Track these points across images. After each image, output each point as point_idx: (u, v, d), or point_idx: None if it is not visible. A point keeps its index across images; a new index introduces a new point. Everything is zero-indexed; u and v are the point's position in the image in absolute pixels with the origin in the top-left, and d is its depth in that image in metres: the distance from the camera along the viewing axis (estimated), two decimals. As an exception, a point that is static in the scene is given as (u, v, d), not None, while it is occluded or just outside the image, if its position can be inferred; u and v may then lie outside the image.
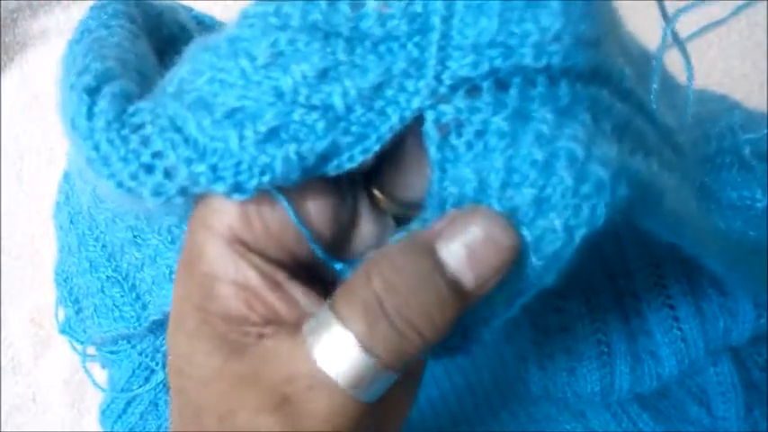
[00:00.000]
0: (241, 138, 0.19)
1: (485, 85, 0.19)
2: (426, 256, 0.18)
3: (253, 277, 0.19)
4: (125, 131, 0.20)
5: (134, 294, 0.34)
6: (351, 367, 0.18)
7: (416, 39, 0.19)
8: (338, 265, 0.21)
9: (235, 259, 0.19)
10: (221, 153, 0.19)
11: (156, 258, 0.32)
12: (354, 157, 0.20)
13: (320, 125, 0.19)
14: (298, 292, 0.20)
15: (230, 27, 0.21)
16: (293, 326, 0.19)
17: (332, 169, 0.20)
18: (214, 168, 0.19)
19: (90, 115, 0.20)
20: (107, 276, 0.35)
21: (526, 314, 0.36)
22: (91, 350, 0.39)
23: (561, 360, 0.34)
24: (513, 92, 0.19)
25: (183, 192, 0.20)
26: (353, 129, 0.20)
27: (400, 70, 0.19)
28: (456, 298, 0.18)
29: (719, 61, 0.49)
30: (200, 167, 0.19)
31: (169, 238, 0.31)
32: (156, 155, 0.20)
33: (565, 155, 0.19)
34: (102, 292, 0.35)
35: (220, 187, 0.19)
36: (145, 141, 0.20)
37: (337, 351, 0.18)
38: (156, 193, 0.20)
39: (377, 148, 0.20)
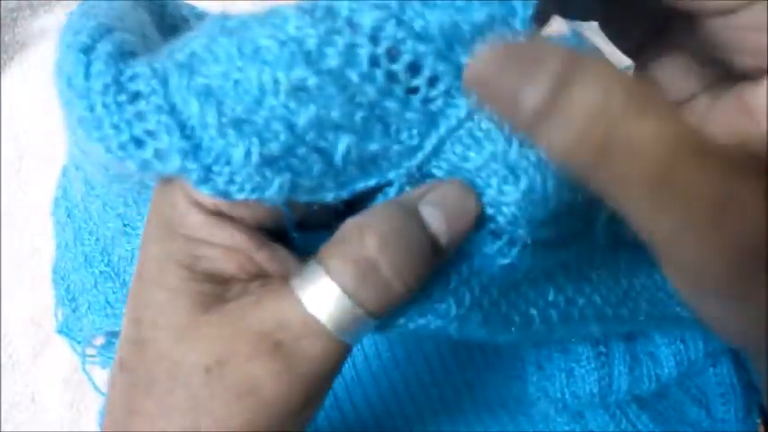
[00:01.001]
0: (247, 154, 0.19)
1: None
2: (415, 217, 0.20)
3: (242, 240, 0.21)
4: (122, 98, 0.20)
5: (125, 290, 0.34)
6: (340, 314, 0.20)
7: (422, 130, 0.21)
8: (295, 234, 0.22)
9: (222, 226, 0.21)
10: (218, 156, 0.19)
11: None
12: (325, 198, 0.21)
13: (317, 168, 0.20)
14: (281, 249, 0.21)
15: (259, 21, 0.20)
16: (280, 278, 0.21)
17: (302, 199, 0.21)
18: (208, 170, 0.19)
19: (87, 75, 0.20)
20: (100, 271, 0.34)
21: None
22: (91, 351, 0.39)
23: (559, 361, 0.34)
24: None
25: (171, 174, 0.20)
26: (339, 179, 0.21)
27: (397, 150, 0.21)
28: (434, 253, 0.21)
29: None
30: (193, 165, 0.19)
31: None
32: (150, 133, 0.19)
33: (444, 275, 0.22)
34: (96, 287, 0.35)
35: (207, 189, 0.19)
36: (139, 116, 0.20)
37: (326, 300, 0.20)
38: (144, 168, 0.20)
39: (345, 196, 0.21)
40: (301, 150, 0.20)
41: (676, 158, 0.16)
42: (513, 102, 0.17)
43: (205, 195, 0.20)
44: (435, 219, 0.20)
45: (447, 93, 0.20)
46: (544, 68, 0.16)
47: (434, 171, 0.21)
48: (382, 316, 0.21)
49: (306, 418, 0.22)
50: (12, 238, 0.43)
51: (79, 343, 0.38)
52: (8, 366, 0.42)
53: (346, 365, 0.39)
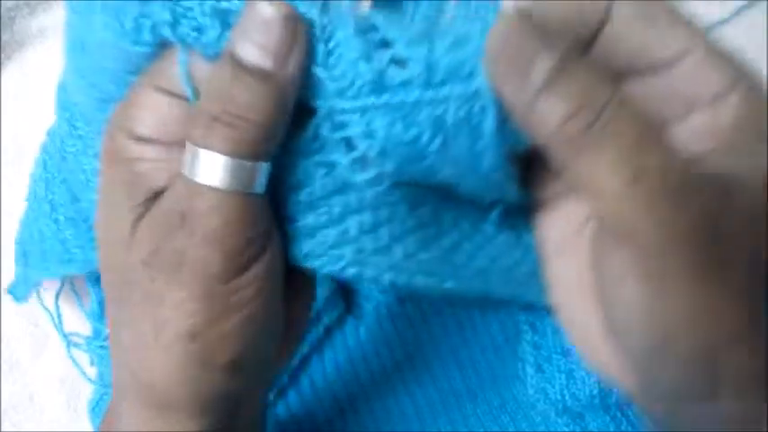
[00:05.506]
0: None
1: None
2: (225, 61, 0.22)
3: (167, 153, 0.23)
4: None
5: (90, 235, 0.34)
6: (204, 166, 0.22)
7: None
8: None
9: (151, 145, 0.23)
10: None
11: None
12: None
13: None
14: None
15: None
16: None
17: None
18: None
19: None
20: (66, 218, 0.35)
21: (524, 316, 0.36)
22: (78, 339, 0.39)
23: (559, 362, 0.34)
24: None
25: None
26: None
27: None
28: (262, 82, 0.21)
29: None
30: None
31: None
32: None
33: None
34: (56, 236, 0.35)
35: None
36: None
37: (193, 161, 0.22)
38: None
39: None
40: None
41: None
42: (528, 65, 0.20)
43: (138, 126, 0.23)
44: (245, 51, 0.21)
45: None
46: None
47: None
48: (245, 155, 0.22)
49: (246, 298, 0.23)
50: (12, 239, 0.43)
51: (19, 300, 0.38)
52: (7, 366, 0.42)
53: (345, 365, 0.39)
